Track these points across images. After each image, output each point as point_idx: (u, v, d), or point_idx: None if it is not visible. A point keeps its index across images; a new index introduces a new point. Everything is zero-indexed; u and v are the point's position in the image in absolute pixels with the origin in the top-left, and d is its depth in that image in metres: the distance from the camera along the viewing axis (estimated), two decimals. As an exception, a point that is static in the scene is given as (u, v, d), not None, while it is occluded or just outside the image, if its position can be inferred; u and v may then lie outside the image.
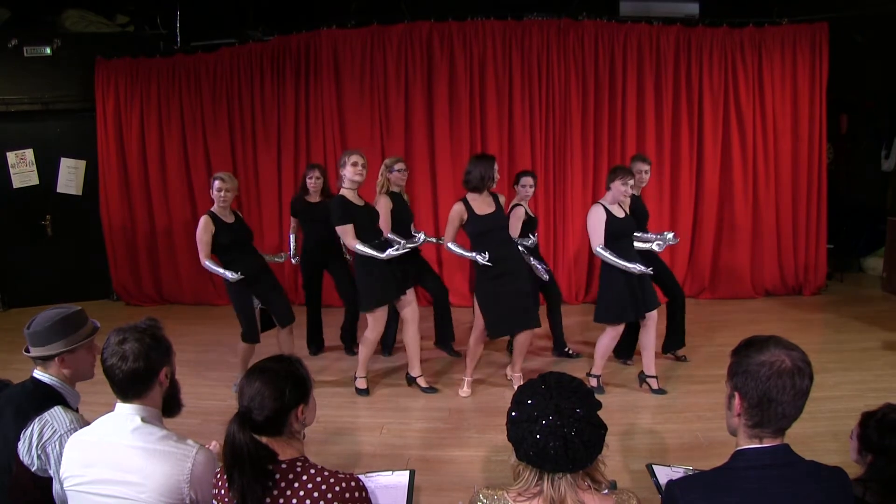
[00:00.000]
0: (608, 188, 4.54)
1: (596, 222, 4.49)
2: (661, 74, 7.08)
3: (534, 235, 5.21)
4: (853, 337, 5.85)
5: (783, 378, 1.62)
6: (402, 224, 5.13)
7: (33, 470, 2.16)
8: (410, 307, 4.76)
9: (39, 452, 2.15)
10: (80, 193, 7.69)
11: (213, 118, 7.44)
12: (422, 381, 4.88)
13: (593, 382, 4.76)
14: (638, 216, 4.85)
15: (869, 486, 2.15)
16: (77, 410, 2.40)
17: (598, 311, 4.68)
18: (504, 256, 4.54)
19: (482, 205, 4.54)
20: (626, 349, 5.21)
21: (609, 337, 4.65)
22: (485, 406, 4.56)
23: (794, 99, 7.18)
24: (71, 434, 2.11)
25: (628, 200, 4.70)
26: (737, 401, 1.69)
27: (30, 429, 2.17)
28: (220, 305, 7.55)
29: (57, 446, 2.14)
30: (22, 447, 2.16)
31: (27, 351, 2.35)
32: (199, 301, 7.70)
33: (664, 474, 2.61)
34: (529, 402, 1.62)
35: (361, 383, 4.89)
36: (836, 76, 7.20)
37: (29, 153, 7.45)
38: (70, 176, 7.64)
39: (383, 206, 4.96)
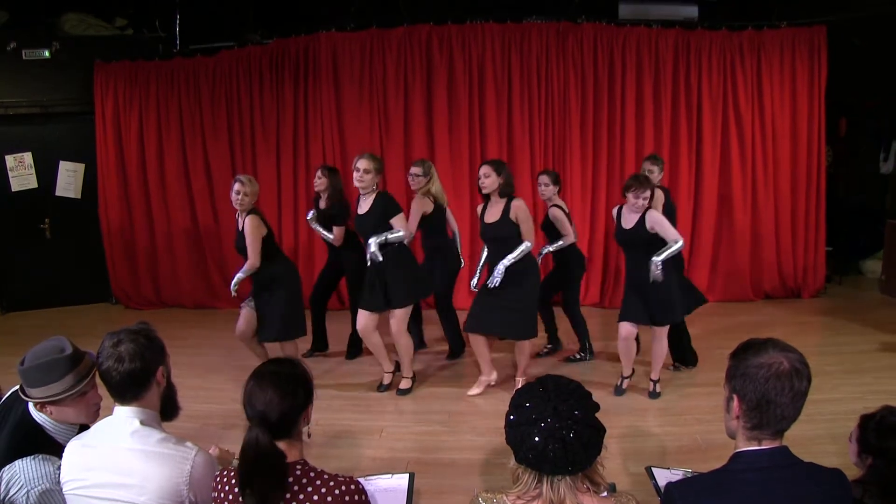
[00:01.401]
0: (624, 197, 4.53)
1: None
2: (660, 77, 7.09)
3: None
4: (852, 339, 5.85)
5: (781, 380, 1.62)
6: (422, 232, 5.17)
7: None
8: (392, 324, 4.73)
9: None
10: (78, 196, 7.68)
11: (212, 121, 7.44)
12: (404, 383, 4.94)
13: (622, 383, 4.80)
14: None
15: (868, 488, 2.15)
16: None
17: None
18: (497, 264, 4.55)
19: (491, 211, 4.56)
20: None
21: (620, 339, 4.64)
22: (484, 409, 4.56)
23: (793, 102, 7.19)
24: (41, 489, 2.06)
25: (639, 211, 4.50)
26: (735, 403, 1.69)
27: (4, 472, 2.10)
28: (220, 308, 7.56)
29: (24, 501, 2.05)
30: None
31: (24, 392, 2.20)
32: (198, 304, 7.69)
33: (663, 477, 2.62)
34: (527, 405, 1.62)
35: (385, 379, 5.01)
36: (835, 79, 7.21)
37: (27, 156, 7.45)
38: (69, 179, 7.64)
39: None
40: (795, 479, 1.63)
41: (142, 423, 2.00)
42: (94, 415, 2.29)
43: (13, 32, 7.18)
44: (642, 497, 1.91)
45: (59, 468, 2.07)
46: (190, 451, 1.98)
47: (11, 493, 2.07)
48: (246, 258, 4.65)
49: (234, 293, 4.72)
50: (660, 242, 4.39)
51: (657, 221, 4.42)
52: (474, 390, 4.81)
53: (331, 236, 5.36)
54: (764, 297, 7.48)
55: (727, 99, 7.17)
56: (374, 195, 4.66)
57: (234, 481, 1.84)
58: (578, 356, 5.51)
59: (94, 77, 7.41)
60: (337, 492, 1.79)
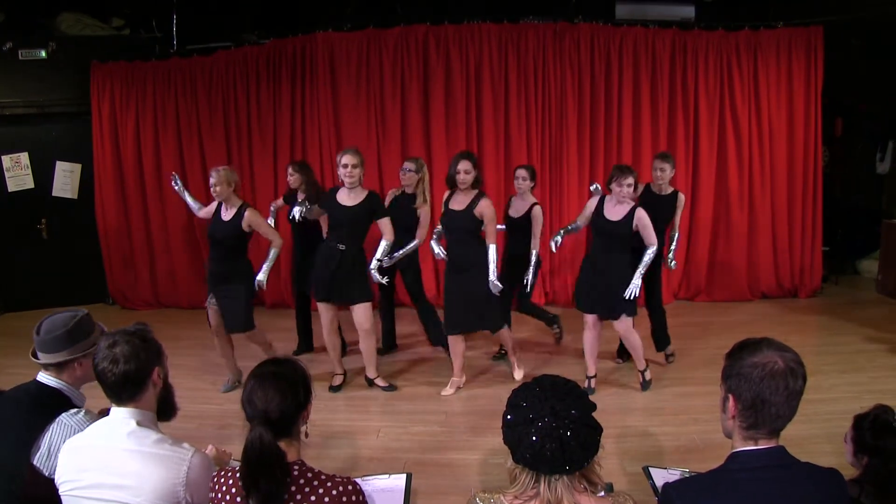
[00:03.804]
0: (609, 188, 4.57)
1: (587, 204, 4.73)
2: (657, 77, 7.10)
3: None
4: (849, 339, 5.86)
5: (776, 379, 1.62)
6: (403, 227, 5.11)
7: (51, 474, 2.12)
8: (355, 318, 4.78)
9: None
10: (75, 197, 7.66)
11: (209, 121, 7.43)
12: (380, 381, 5.00)
13: (586, 384, 4.81)
14: (658, 215, 4.75)
15: (865, 488, 2.16)
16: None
17: None
18: (459, 255, 4.61)
19: (457, 201, 4.60)
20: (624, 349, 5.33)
21: (585, 329, 4.74)
22: (481, 409, 4.56)
23: (790, 102, 7.20)
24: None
25: (627, 201, 4.54)
26: (731, 403, 1.69)
27: (48, 435, 2.17)
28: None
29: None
30: (41, 453, 2.16)
31: (35, 356, 2.35)
32: (195, 305, 7.66)
33: (660, 477, 2.62)
34: (524, 404, 1.63)
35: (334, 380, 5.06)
36: (832, 79, 7.23)
37: (24, 157, 7.42)
38: (66, 179, 7.62)
39: None
40: (792, 478, 1.64)
41: (138, 423, 2.00)
42: None
43: (9, 32, 7.16)
44: (639, 497, 1.91)
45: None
46: (187, 453, 1.98)
47: (55, 444, 2.15)
48: (217, 245, 4.78)
49: (263, 286, 4.84)
50: (634, 239, 4.57)
51: (643, 224, 4.52)
52: (449, 390, 4.87)
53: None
54: (761, 297, 7.49)
55: (724, 99, 7.17)
56: (363, 191, 4.71)
57: (231, 482, 1.84)
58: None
59: (91, 77, 7.38)
60: (334, 492, 1.79)
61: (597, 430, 1.62)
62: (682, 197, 5.09)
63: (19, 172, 7.44)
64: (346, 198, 4.67)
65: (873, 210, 8.16)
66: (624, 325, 4.60)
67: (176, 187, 5.31)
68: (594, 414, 1.65)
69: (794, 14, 7.15)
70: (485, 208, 4.53)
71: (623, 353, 5.39)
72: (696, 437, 3.99)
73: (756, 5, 7.24)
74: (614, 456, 3.71)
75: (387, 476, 2.78)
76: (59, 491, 1.99)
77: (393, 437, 4.18)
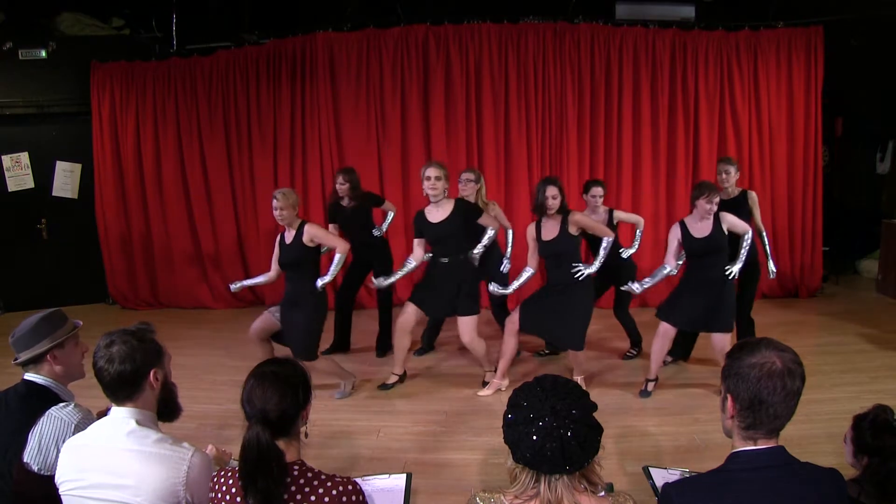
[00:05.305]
0: (693, 206, 4.51)
1: (669, 238, 4.67)
2: (657, 77, 7.10)
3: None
4: (849, 339, 5.86)
5: (773, 379, 1.62)
6: (473, 235, 5.01)
7: (42, 469, 2.14)
8: (460, 330, 4.78)
9: (53, 449, 2.15)
10: (75, 197, 7.67)
11: (208, 121, 7.43)
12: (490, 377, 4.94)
13: (647, 387, 4.73)
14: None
15: (865, 488, 2.16)
16: None
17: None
18: (562, 278, 4.56)
19: (548, 228, 4.57)
20: (679, 348, 5.22)
21: (657, 337, 4.64)
22: (481, 409, 4.56)
23: (790, 102, 7.21)
24: (83, 423, 2.15)
25: (710, 217, 4.50)
26: (729, 403, 1.70)
27: (37, 429, 2.18)
28: (216, 309, 7.56)
29: (73, 430, 2.17)
30: (31, 448, 2.16)
31: (15, 360, 2.40)
32: (195, 305, 7.68)
33: (660, 477, 2.63)
34: (525, 404, 1.63)
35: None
36: (832, 79, 7.23)
37: (24, 157, 7.43)
38: (66, 179, 7.62)
39: None
40: (792, 478, 1.63)
41: (138, 423, 2.00)
42: (83, 368, 2.51)
43: (9, 32, 7.17)
44: (639, 497, 1.91)
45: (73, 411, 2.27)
46: (187, 452, 1.98)
47: (59, 433, 2.17)
48: (288, 269, 4.59)
49: (321, 287, 4.55)
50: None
51: (732, 222, 4.54)
52: (485, 392, 4.83)
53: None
54: (761, 297, 7.47)
55: (724, 99, 7.18)
56: (449, 202, 4.69)
57: (231, 481, 1.84)
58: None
59: (91, 77, 7.39)
60: (334, 492, 1.79)
61: (597, 430, 1.62)
62: (753, 195, 5.01)
63: (19, 172, 7.44)
64: (436, 214, 4.67)
65: (873, 210, 8.17)
66: (727, 338, 4.50)
67: (235, 288, 4.92)
68: (594, 414, 1.65)
69: (794, 14, 7.16)
70: (578, 220, 4.54)
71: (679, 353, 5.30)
72: (696, 437, 3.99)
73: (756, 5, 7.24)
74: (614, 456, 3.71)
75: (387, 476, 2.79)
76: (60, 490, 1.99)
77: (393, 437, 4.18)
